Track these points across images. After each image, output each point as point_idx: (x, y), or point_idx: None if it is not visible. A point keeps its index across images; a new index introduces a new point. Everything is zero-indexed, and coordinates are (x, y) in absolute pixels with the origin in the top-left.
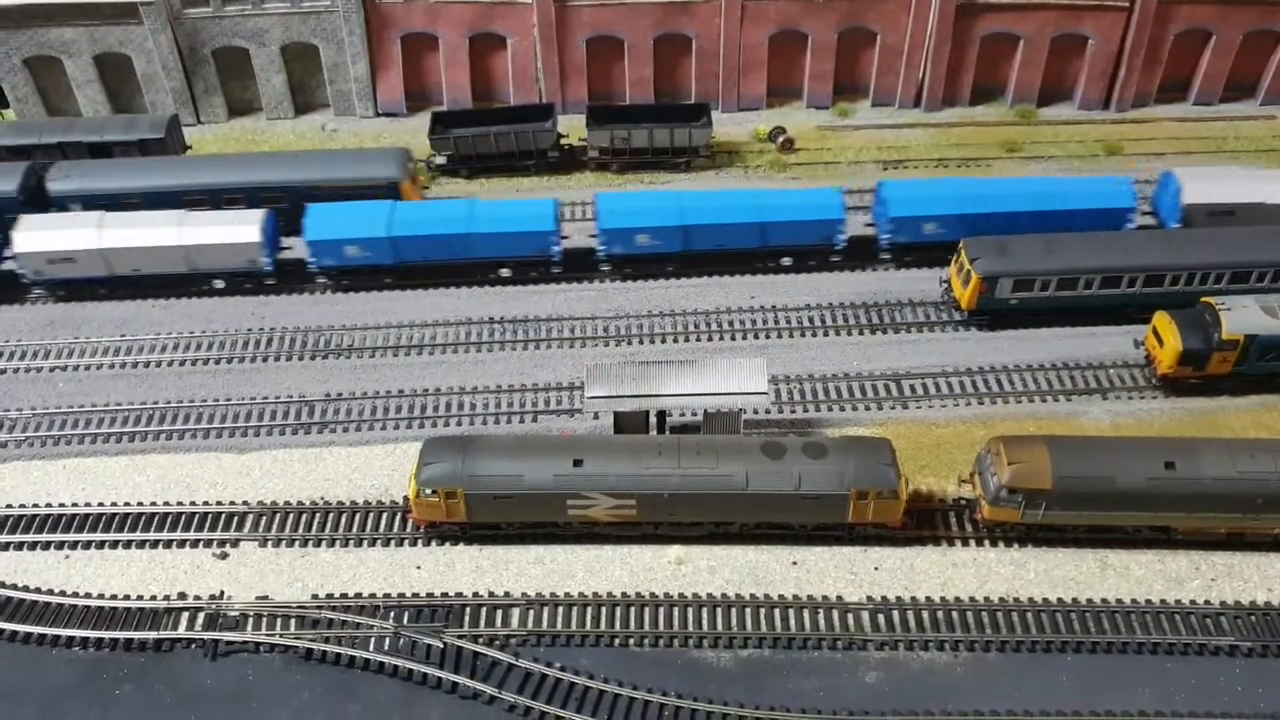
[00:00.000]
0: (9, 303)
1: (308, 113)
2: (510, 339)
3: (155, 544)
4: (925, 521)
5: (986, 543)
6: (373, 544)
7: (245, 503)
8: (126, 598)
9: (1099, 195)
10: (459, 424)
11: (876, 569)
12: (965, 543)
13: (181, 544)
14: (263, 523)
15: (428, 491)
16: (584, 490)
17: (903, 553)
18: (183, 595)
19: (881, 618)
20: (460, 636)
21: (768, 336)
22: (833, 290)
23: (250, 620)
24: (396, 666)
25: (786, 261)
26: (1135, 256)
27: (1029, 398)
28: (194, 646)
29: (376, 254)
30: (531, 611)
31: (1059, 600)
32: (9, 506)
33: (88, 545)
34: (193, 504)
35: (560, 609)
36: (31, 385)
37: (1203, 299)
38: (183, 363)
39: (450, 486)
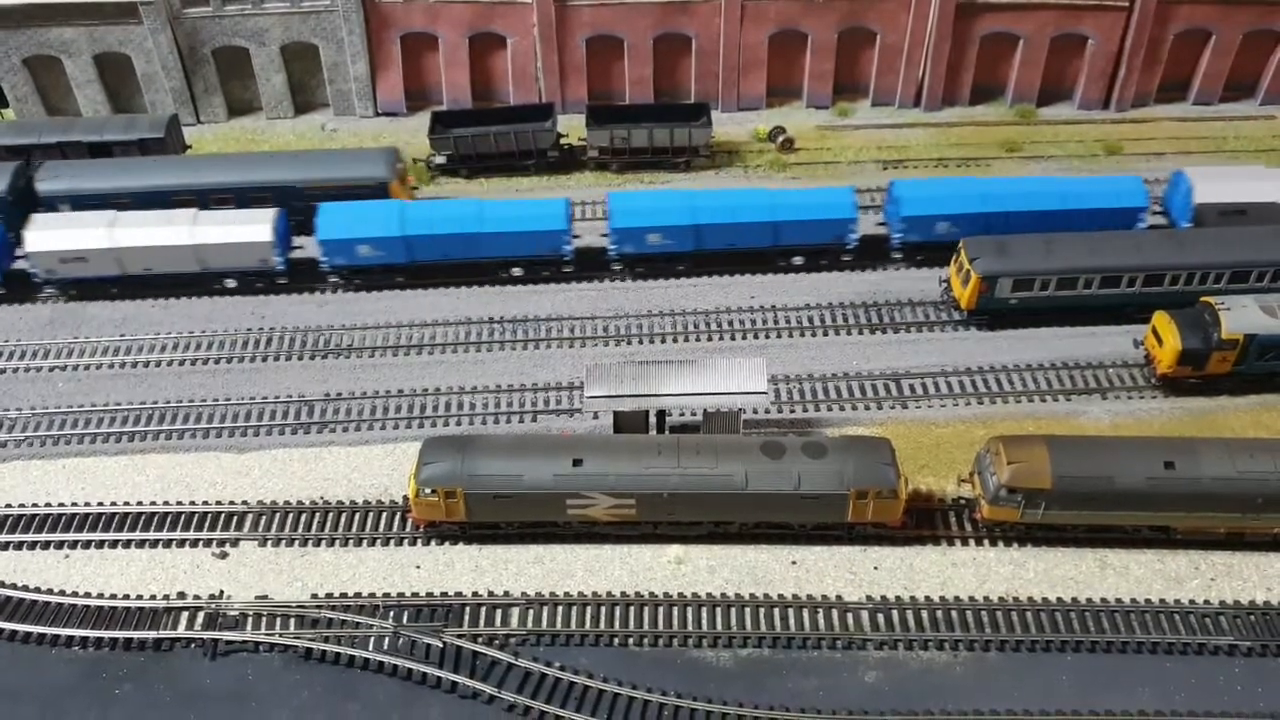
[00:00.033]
0: (9, 302)
1: (307, 112)
2: (510, 339)
3: (155, 544)
4: (925, 521)
5: (986, 542)
6: (372, 544)
7: (245, 502)
8: (126, 597)
9: (1111, 194)
10: (458, 424)
11: (876, 568)
12: (965, 542)
13: (181, 544)
14: (262, 522)
15: (427, 491)
16: (583, 490)
17: (902, 552)
18: (182, 595)
19: (881, 617)
20: (460, 636)
21: (767, 336)
22: (832, 290)
23: (250, 620)
24: (396, 666)
25: (798, 261)
26: (1134, 256)
27: (1028, 397)
28: (193, 646)
29: (389, 253)
30: (531, 611)
31: (1058, 600)
32: (9, 506)
33: (87, 545)
34: (192, 504)
35: (560, 608)
36: (31, 385)
37: (1202, 299)
38: (182, 362)
39: (450, 486)
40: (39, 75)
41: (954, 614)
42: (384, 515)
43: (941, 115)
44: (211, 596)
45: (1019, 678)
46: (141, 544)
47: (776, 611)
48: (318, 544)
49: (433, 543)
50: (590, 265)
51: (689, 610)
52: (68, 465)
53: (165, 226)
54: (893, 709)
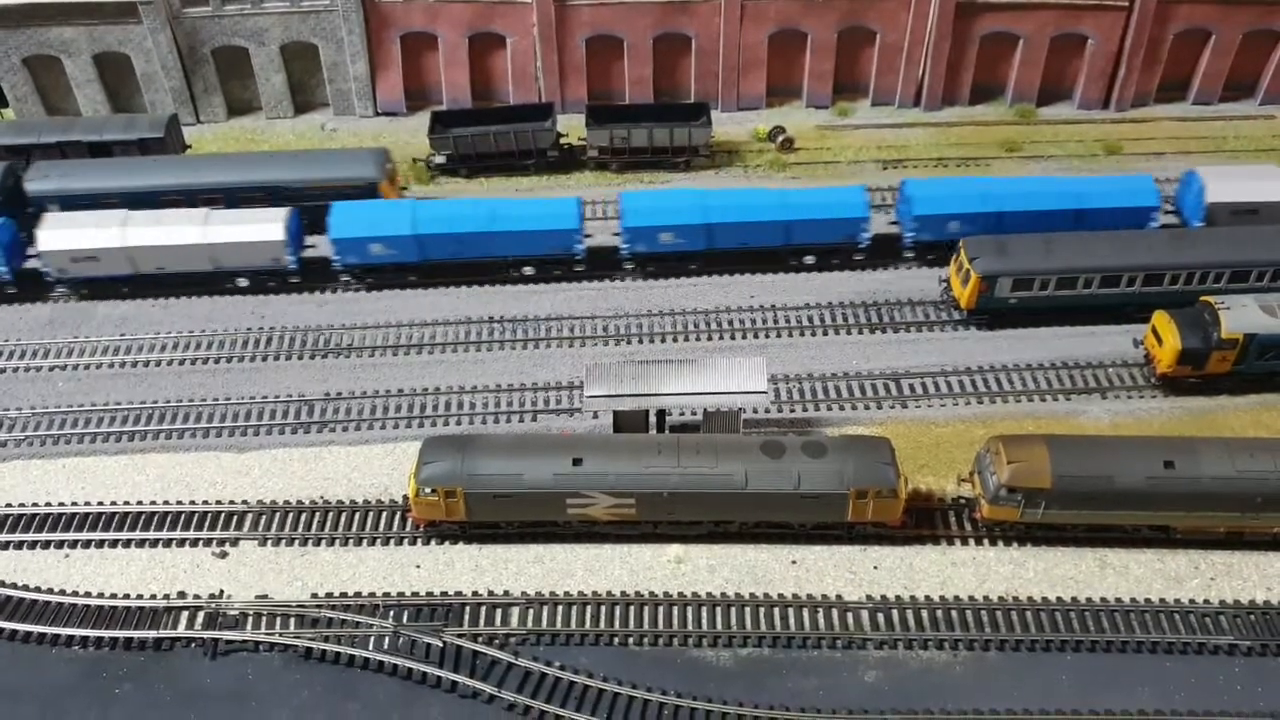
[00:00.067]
0: (9, 302)
1: (307, 112)
2: (510, 338)
3: (155, 543)
4: (924, 520)
5: (986, 542)
6: (372, 543)
7: (245, 502)
8: (126, 597)
9: (1122, 194)
10: (458, 423)
11: (876, 568)
12: (964, 542)
13: (181, 543)
14: (262, 522)
15: (427, 490)
16: (583, 489)
17: (902, 552)
18: (182, 594)
19: (881, 617)
20: (460, 635)
21: (767, 336)
22: (832, 289)
23: (250, 619)
24: (396, 665)
25: (810, 260)
26: (1134, 256)
27: (1028, 397)
28: (194, 645)
29: (401, 252)
30: (531, 610)
31: (1058, 599)
32: (9, 506)
33: (87, 544)
34: (192, 503)
35: (560, 608)
36: (31, 384)
37: (1202, 298)
38: (182, 362)
39: (450, 485)
40: (39, 75)
41: (954, 613)
42: (384, 515)
43: (941, 115)
44: (211, 596)
45: (1019, 677)
46: (141, 543)
47: (776, 611)
48: (318, 543)
49: (433, 542)
50: (601, 264)
51: (689, 610)
52: (68, 465)
53: (177, 226)
54: (893, 708)
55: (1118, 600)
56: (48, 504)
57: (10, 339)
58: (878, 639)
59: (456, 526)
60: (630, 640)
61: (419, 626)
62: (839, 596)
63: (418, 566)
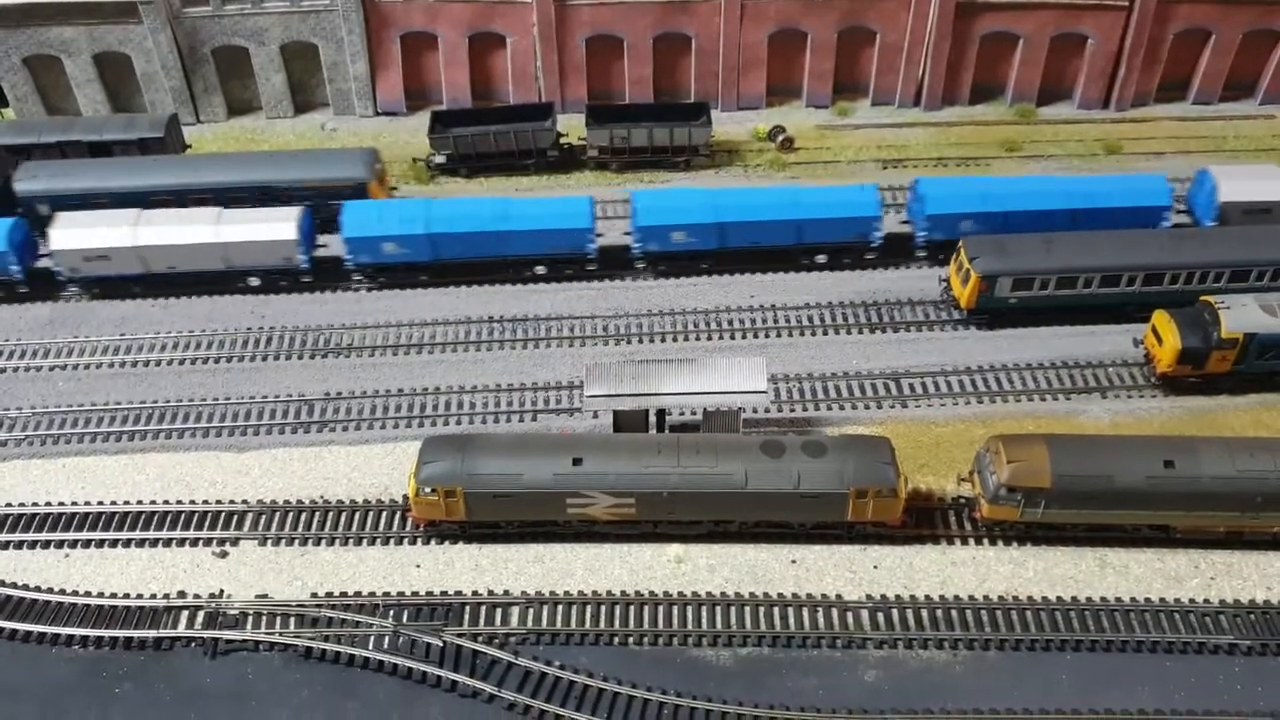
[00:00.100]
0: (9, 302)
1: (307, 112)
2: (510, 338)
3: (155, 543)
4: (924, 520)
5: (986, 541)
6: (372, 543)
7: (245, 501)
8: (126, 596)
9: (1135, 193)
10: (458, 423)
11: (876, 567)
12: (964, 541)
13: (181, 543)
14: (262, 521)
15: (427, 490)
16: (583, 489)
17: (902, 551)
18: (182, 594)
19: (881, 616)
20: (460, 635)
21: (767, 335)
22: (832, 289)
23: (250, 619)
24: (396, 665)
25: (821, 259)
26: (1134, 255)
27: (1028, 396)
28: (194, 645)
29: (414, 251)
30: (531, 610)
31: (1058, 599)
32: (9, 505)
33: (87, 544)
34: (192, 503)
35: (560, 607)
36: (31, 384)
37: (1202, 298)
38: (182, 362)
39: (450, 485)
40: (39, 75)
41: (954, 613)
42: (384, 514)
43: (941, 115)
44: (211, 595)
45: (1019, 677)
46: (141, 543)
47: (776, 610)
48: (318, 543)
49: (433, 542)
50: (612, 264)
51: (689, 609)
52: (68, 464)
53: (189, 225)
54: (892, 708)
55: (1118, 600)
56: (48, 504)
57: (10, 339)
58: (877, 638)
59: (456, 526)
60: (630, 640)
61: (419, 626)
62: (839, 596)
63: (418, 566)
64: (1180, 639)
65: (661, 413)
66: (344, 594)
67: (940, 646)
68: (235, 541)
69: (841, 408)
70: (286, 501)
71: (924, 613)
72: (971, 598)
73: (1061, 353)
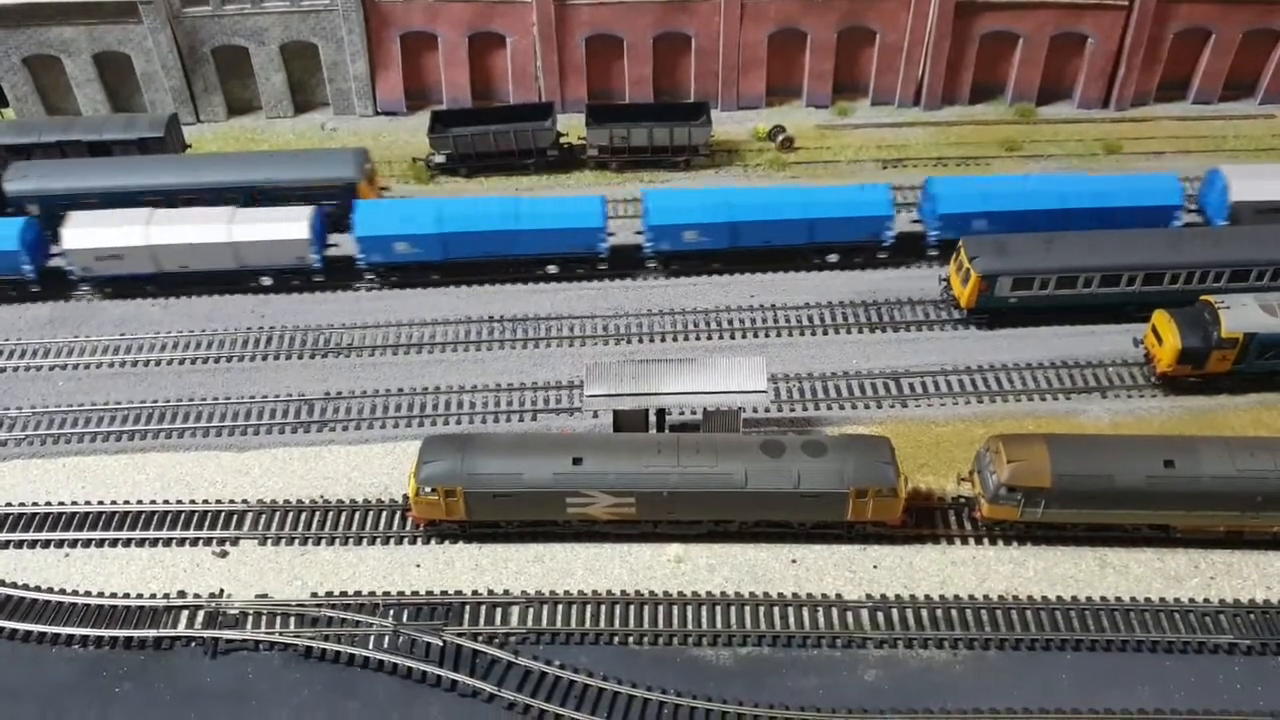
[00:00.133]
0: (9, 301)
1: (307, 111)
2: (510, 338)
3: (155, 542)
4: (924, 520)
5: (986, 541)
6: (372, 542)
7: (245, 501)
8: (126, 596)
9: (1147, 192)
10: (458, 422)
11: (875, 567)
12: (964, 541)
13: (181, 542)
14: (262, 521)
15: (427, 490)
16: (583, 488)
17: (902, 551)
18: (182, 593)
19: (880, 616)
20: (460, 634)
21: (767, 335)
22: (832, 289)
23: (250, 618)
24: (396, 664)
25: (833, 258)
26: (1134, 255)
27: (1028, 396)
28: (194, 644)
29: (426, 250)
30: (531, 609)
31: (1058, 598)
32: (9, 505)
33: (87, 544)
34: (192, 502)
35: (559, 607)
36: (31, 384)
37: (1202, 297)
38: (182, 361)
39: (450, 485)
40: (39, 74)
41: (954, 612)
42: (384, 514)
43: (941, 114)
44: (211, 595)
45: (1018, 676)
46: (141, 543)
47: (776, 610)
48: (318, 543)
49: (433, 541)
50: (623, 263)
51: (689, 609)
52: (68, 464)
53: (202, 224)
54: (892, 707)
55: (1117, 599)
56: (48, 503)
57: (10, 338)
58: (877, 638)
59: (456, 526)
60: (630, 639)
61: (419, 625)
62: (839, 595)
63: (418, 566)
64: (1180, 639)
65: (661, 412)
66: (344, 593)
67: (940, 646)
68: (235, 541)
69: (841, 407)
70: (286, 501)
71: (924, 612)
72: (971, 597)
73: (1061, 352)
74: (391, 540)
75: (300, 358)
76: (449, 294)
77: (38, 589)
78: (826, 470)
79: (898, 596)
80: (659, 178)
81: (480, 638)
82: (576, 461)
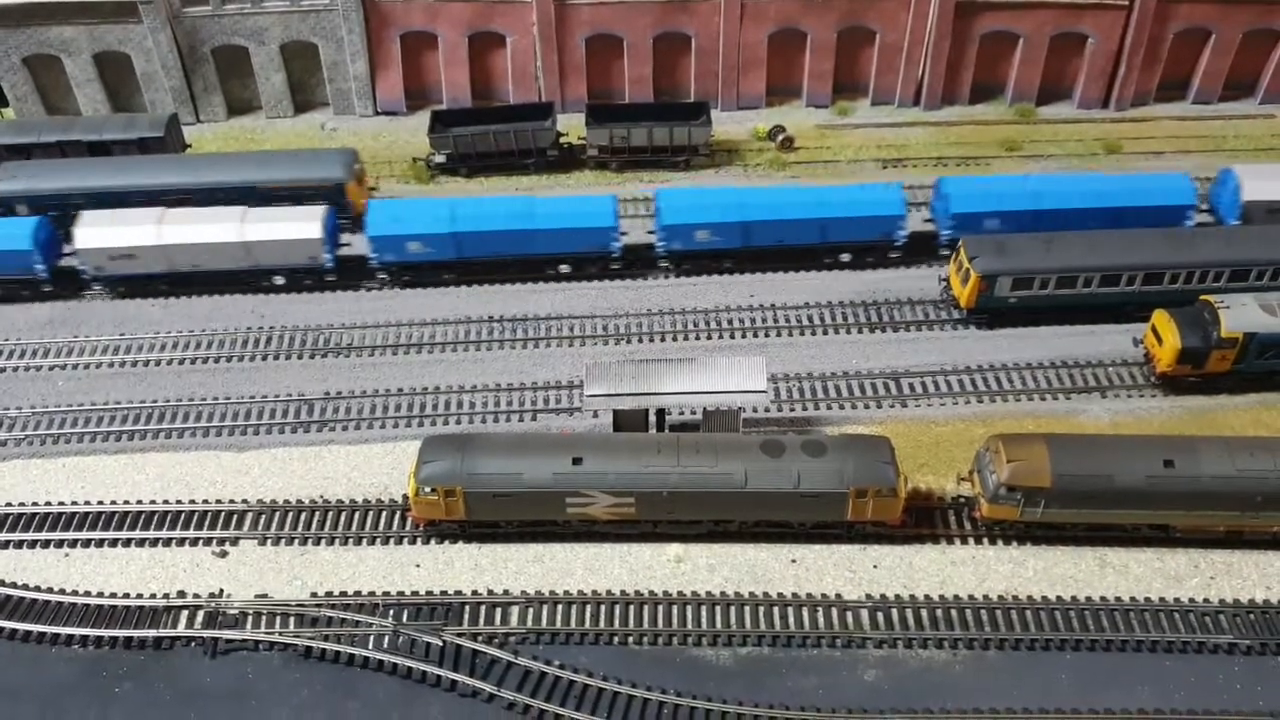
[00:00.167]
0: (9, 301)
1: (307, 111)
2: (510, 338)
3: (155, 542)
4: (924, 519)
5: (985, 541)
6: (372, 542)
7: (245, 501)
8: (126, 596)
9: (1159, 192)
10: (458, 422)
11: (875, 567)
12: (964, 541)
13: (181, 542)
14: (262, 521)
15: (427, 490)
16: (583, 488)
17: (901, 551)
18: (182, 593)
19: (880, 616)
20: (459, 634)
21: (767, 335)
22: (832, 289)
23: (250, 618)
24: (396, 664)
25: (846, 258)
26: (1134, 255)
27: (1028, 396)
28: (193, 644)
29: (439, 250)
30: (531, 609)
31: (1058, 598)
32: (9, 505)
33: (87, 544)
34: (192, 502)
35: (559, 607)
36: (31, 384)
37: (1202, 297)
38: (182, 361)
39: (449, 485)
40: (39, 74)
41: (953, 612)
42: (384, 514)
43: (941, 114)
44: (211, 595)
45: (1018, 676)
46: (141, 543)
47: (776, 610)
48: (317, 543)
49: (432, 541)
50: (636, 262)
51: (689, 609)
52: (68, 464)
53: (214, 224)
54: (892, 707)
55: (1117, 599)
56: (48, 503)
57: (10, 338)
58: (877, 638)
59: (456, 526)
60: (630, 639)
61: (419, 625)
62: (838, 595)
63: (417, 566)
64: (1180, 638)
65: (661, 412)
66: (344, 593)
67: (940, 646)
68: (235, 541)
69: (841, 407)
70: (286, 501)
71: (924, 612)
72: (971, 597)
73: (1061, 352)
74: (391, 540)
75: (300, 358)
76: (449, 294)
77: (38, 589)
78: (826, 470)
79: (897, 596)
80: (659, 178)
81: (480, 638)
82: (576, 461)
